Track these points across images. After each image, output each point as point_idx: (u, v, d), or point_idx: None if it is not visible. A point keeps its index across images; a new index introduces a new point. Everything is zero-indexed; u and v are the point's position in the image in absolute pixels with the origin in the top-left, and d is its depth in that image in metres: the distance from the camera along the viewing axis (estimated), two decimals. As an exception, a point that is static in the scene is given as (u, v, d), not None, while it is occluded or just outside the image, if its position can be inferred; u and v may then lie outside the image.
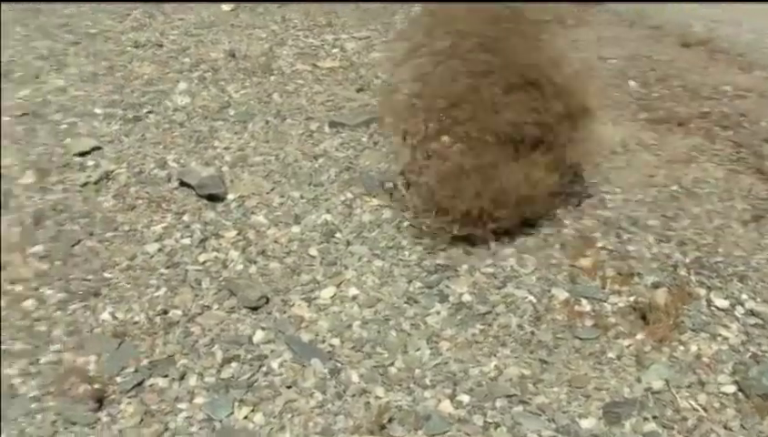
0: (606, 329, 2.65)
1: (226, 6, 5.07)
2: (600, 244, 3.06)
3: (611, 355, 2.55)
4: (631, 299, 2.78)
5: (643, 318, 2.70)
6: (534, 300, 2.77)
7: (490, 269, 2.91)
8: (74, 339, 2.53)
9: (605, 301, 2.78)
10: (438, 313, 2.69)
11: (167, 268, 2.83)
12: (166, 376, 2.40)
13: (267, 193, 3.24)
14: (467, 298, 2.76)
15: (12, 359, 2.44)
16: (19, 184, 3.27)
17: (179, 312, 2.64)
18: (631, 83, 4.33)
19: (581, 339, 2.61)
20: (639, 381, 2.45)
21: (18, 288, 2.72)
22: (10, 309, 2.62)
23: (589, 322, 2.68)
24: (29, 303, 2.65)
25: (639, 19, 5.24)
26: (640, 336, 2.62)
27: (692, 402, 2.36)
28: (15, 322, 2.58)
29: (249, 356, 2.47)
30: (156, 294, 2.71)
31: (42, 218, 3.05)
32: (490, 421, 2.29)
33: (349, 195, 3.27)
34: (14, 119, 3.77)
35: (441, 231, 2.98)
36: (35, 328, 2.56)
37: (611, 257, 2.99)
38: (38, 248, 2.90)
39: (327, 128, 3.67)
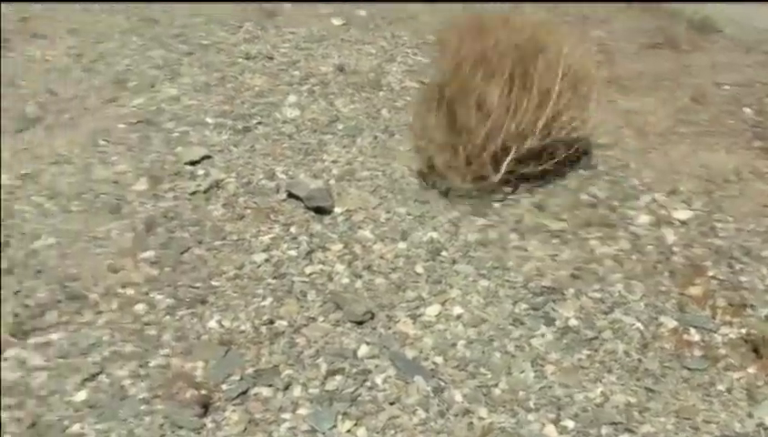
0: (716, 360, 2.60)
1: (336, 21, 5.13)
2: (710, 273, 3.00)
3: (720, 387, 2.50)
4: (743, 330, 2.72)
5: (755, 351, 2.63)
6: (642, 327, 2.73)
7: (598, 294, 2.88)
8: (182, 344, 2.59)
9: (715, 332, 2.72)
10: (543, 336, 2.67)
11: (274, 278, 2.88)
12: (270, 386, 2.44)
13: (374, 208, 3.27)
14: (573, 322, 2.74)
15: (123, 361, 2.51)
16: (132, 190, 3.37)
17: (285, 323, 2.68)
18: (746, 110, 4.24)
19: (689, 369, 2.57)
20: (750, 416, 2.40)
21: (130, 291, 2.80)
22: (122, 312, 2.70)
23: (698, 352, 2.64)
24: (140, 307, 2.73)
25: (756, 45, 5.12)
26: (751, 369, 2.56)
27: (809, 442, 2.30)
28: (126, 325, 2.65)
29: (354, 370, 2.49)
30: (263, 304, 2.76)
31: (153, 224, 3.14)
32: (597, 448, 2.26)
33: (456, 213, 3.27)
34: (129, 127, 3.89)
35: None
36: (145, 331, 2.64)
37: (723, 287, 2.94)
38: (149, 254, 2.98)
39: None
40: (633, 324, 2.74)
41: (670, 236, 3.21)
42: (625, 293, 2.89)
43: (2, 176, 3.56)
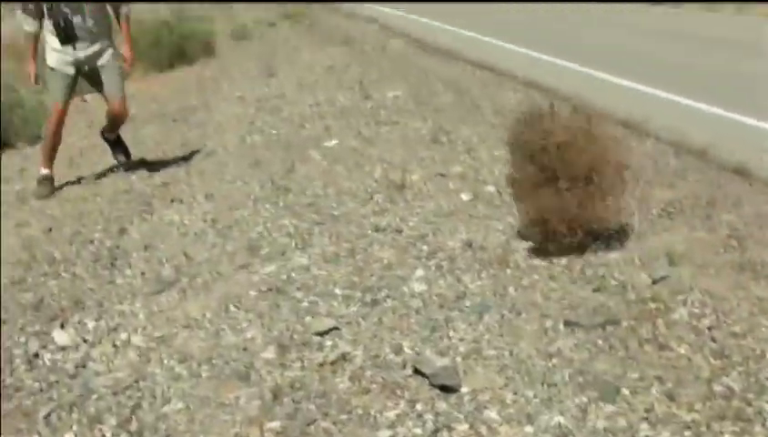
0: None
1: (465, 196, 5.28)
2: None
3: None
4: None
5: None
6: None
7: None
8: None
9: None
10: None
11: (398, 456, 2.90)
12: None
13: (500, 388, 3.28)
14: None
15: None
16: (261, 358, 3.48)
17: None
18: None
19: None
20: None
21: (256, 461, 2.86)
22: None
23: None
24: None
25: None
26: None
27: None
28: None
29: None
30: (388, 483, 2.78)
31: (280, 394, 3.22)
32: None
33: (584, 399, 3.25)
34: (259, 294, 4.05)
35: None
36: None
37: None
38: (275, 424, 3.05)
39: (561, 327, 3.69)
40: None
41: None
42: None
43: (137, 338, 3.74)
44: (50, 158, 6.59)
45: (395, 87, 9.19)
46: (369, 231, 4.78)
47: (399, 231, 4.76)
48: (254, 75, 11.46)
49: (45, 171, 6.54)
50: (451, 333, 3.64)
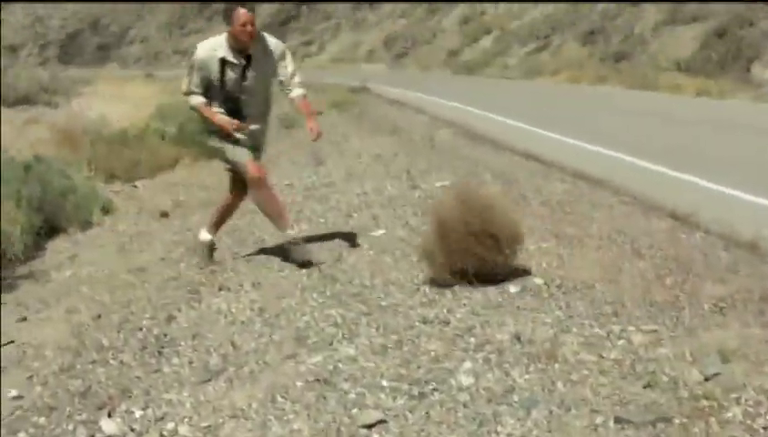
0: None
1: (512, 288, 5.29)
2: None
3: None
4: None
5: None
6: None
7: None
8: None
9: None
10: None
11: None
12: None
13: (549, 487, 3.25)
14: None
15: None
16: (307, 451, 3.49)
17: None
18: None
19: None
20: None
21: None
22: None
23: None
24: None
25: None
26: None
27: None
28: None
29: None
30: None
31: (326, 487, 3.23)
32: None
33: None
34: (306, 385, 4.08)
35: None
36: None
37: None
38: None
39: (612, 424, 3.66)
40: None
41: None
42: None
43: (183, 428, 3.78)
44: (218, 225, 6.65)
45: (443, 177, 9.29)
46: (417, 323, 4.81)
47: (447, 323, 4.77)
48: (303, 163, 11.65)
49: (207, 237, 6.61)
50: (499, 428, 3.63)
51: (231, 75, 5.99)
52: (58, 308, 5.99)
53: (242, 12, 5.85)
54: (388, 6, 59.07)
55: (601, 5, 34.51)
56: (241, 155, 6.13)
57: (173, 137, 13.65)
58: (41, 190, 8.89)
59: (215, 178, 10.85)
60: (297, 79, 6.21)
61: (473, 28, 46.06)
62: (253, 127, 6.18)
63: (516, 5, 44.22)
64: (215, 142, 6.24)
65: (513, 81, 30.03)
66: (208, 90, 6.06)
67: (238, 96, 6.06)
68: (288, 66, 6.19)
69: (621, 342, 4.45)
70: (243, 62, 5.99)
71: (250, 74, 6.03)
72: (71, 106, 27.65)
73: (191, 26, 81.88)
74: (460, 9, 49.55)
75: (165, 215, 9.00)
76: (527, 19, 41.88)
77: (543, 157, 10.78)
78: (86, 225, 9.03)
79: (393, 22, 56.04)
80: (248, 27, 5.88)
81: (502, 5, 45.74)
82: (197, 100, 6.10)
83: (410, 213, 7.61)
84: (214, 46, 6.02)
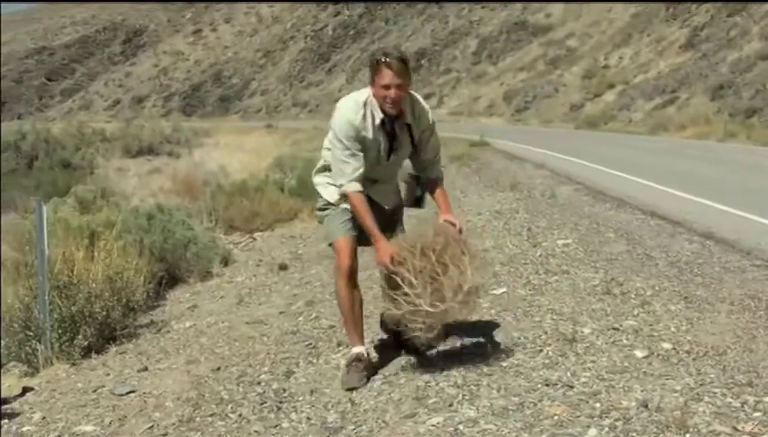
0: None
1: (639, 353, 5.19)
2: None
3: None
4: None
5: None
6: None
7: None
8: None
9: None
10: None
11: None
12: None
13: None
14: None
15: None
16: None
17: None
18: None
19: None
20: None
21: None
22: None
23: None
24: None
25: None
26: None
27: None
28: None
29: None
30: None
31: None
32: None
33: None
34: (426, 445, 4.06)
35: None
36: None
37: None
38: None
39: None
40: None
41: None
42: None
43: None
44: (355, 329, 5.23)
45: (564, 235, 9.21)
46: (539, 385, 4.75)
47: (571, 386, 4.70)
48: (421, 218, 11.68)
49: (356, 349, 5.19)
50: (626, 500, 3.55)
51: (373, 142, 4.96)
52: (178, 358, 6.13)
53: (384, 69, 4.76)
54: (509, 60, 59.36)
55: (730, 57, 33.95)
56: (338, 230, 5.07)
57: (292, 189, 13.90)
58: (163, 240, 9.17)
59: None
60: (439, 159, 5.36)
61: (596, 82, 45.84)
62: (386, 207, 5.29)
63: (641, 59, 43.87)
64: (322, 205, 5.23)
65: (637, 136, 29.66)
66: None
67: (374, 168, 5.04)
68: (435, 141, 5.25)
69: (756, 414, 4.30)
70: (389, 128, 4.98)
71: (397, 144, 5.03)
72: (192, 157, 28.57)
73: (310, 78, 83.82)
74: (583, 63, 49.41)
75: (283, 267, 9.15)
76: (652, 73, 41.46)
77: (670, 216, 10.59)
78: (206, 275, 9.26)
79: (513, 75, 56.22)
80: (392, 92, 4.79)
81: (627, 59, 45.41)
82: (354, 187, 4.94)
83: (532, 271, 7.55)
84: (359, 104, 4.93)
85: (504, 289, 6.97)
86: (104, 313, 6.75)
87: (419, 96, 5.08)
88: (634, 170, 16.31)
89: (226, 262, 9.85)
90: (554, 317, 6.01)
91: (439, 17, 79.05)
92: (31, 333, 6.45)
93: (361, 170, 4.89)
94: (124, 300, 7.11)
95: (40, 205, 6.70)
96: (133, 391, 5.53)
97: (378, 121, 4.89)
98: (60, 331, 6.46)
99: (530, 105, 49.55)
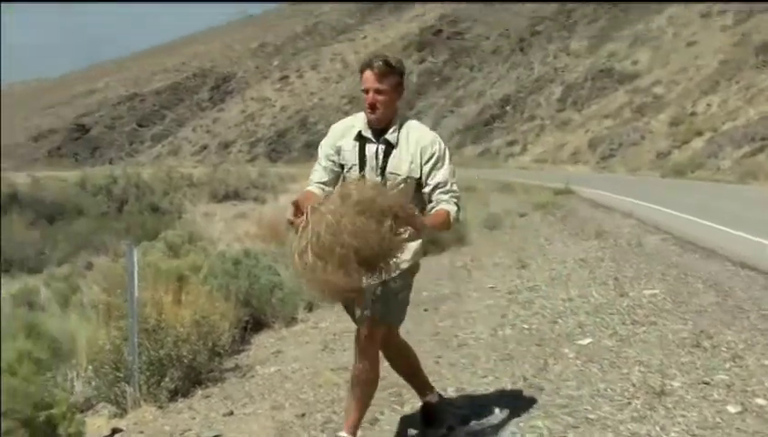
0: None
1: (732, 408, 5.07)
2: None
3: None
4: None
5: None
6: None
7: None
8: None
9: None
10: None
11: None
12: None
13: None
14: None
15: None
16: None
17: None
18: None
19: None
20: None
21: None
22: None
23: None
24: None
25: None
26: None
27: None
28: None
29: None
30: None
31: None
32: None
33: None
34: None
35: None
36: None
37: None
38: None
39: None
40: None
41: None
42: None
43: None
44: (354, 418, 4.83)
45: (652, 285, 9.07)
46: (625, 438, 4.67)
47: (660, 442, 4.62)
48: (505, 265, 11.66)
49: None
50: None
51: (350, 154, 4.63)
52: (263, 403, 6.18)
53: (366, 72, 4.51)
54: (594, 107, 59.06)
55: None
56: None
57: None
58: (249, 285, 9.27)
59: (419, 279, 11.02)
60: (449, 190, 4.53)
61: (683, 129, 45.27)
62: None
63: (730, 106, 43.24)
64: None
65: (726, 185, 29.13)
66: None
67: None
68: (445, 172, 4.55)
69: None
70: (378, 143, 4.56)
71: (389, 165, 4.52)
72: (278, 202, 28.96)
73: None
74: (670, 110, 48.90)
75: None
76: (741, 120, 40.80)
77: (762, 267, 10.35)
78: (291, 321, 9.32)
79: (599, 123, 55.85)
80: (370, 95, 4.50)
81: (715, 106, 44.80)
82: (310, 187, 4.74)
83: (618, 322, 7.44)
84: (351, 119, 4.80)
85: (590, 340, 6.89)
86: (190, 357, 6.84)
87: (420, 124, 4.65)
88: (723, 220, 16.00)
89: (311, 308, 9.91)
90: (642, 369, 5.91)
91: (524, 64, 79.12)
92: (120, 375, 6.57)
93: (324, 180, 4.65)
94: (210, 344, 7.19)
95: (131, 249, 6.86)
96: (218, 436, 5.59)
97: (356, 131, 4.60)
98: (148, 374, 6.57)
99: (615, 152, 49.08)
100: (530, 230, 16.22)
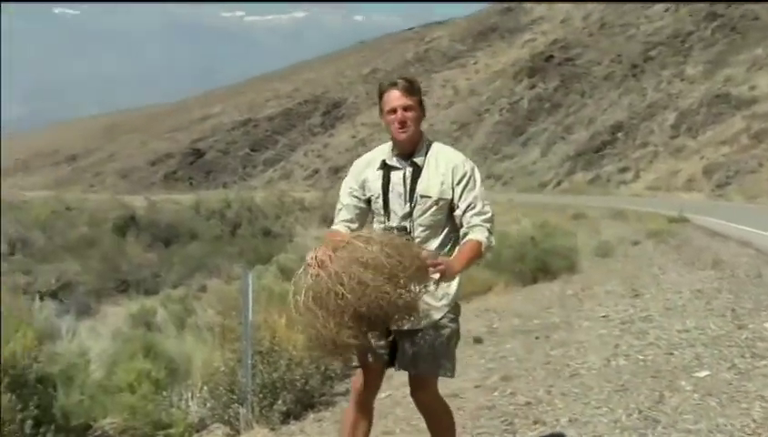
0: None
1: None
2: None
3: None
4: None
5: None
6: None
7: None
8: None
9: None
10: None
11: None
12: None
13: None
14: None
15: None
16: None
17: None
18: None
19: None
20: None
21: None
22: None
23: None
24: None
25: None
26: None
27: None
28: None
29: None
30: None
31: None
32: None
33: None
34: None
35: None
36: None
37: None
38: None
39: None
40: None
41: None
42: None
43: None
44: None
45: (773, 317, 8.79)
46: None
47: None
48: (618, 294, 11.46)
49: None
50: None
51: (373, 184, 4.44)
52: (374, 429, 6.12)
53: (389, 92, 4.40)
54: (709, 133, 57.71)
55: None
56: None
57: (487, 262, 13.92)
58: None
59: (530, 307, 10.95)
60: (481, 211, 4.33)
61: (806, 155, 43.80)
62: None
63: None
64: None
65: None
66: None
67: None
68: (476, 193, 4.36)
69: None
70: (405, 168, 4.37)
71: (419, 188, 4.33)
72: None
73: (505, 151, 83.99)
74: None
75: (478, 341, 9.13)
76: None
77: None
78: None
79: (714, 149, 54.47)
80: (399, 114, 4.33)
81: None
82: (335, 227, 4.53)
83: (737, 355, 7.23)
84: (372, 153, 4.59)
85: (707, 372, 6.71)
86: (303, 380, 6.92)
87: (447, 146, 4.49)
88: None
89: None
90: (764, 404, 5.73)
91: (636, 90, 77.81)
92: (234, 396, 6.68)
93: (348, 218, 4.43)
94: (322, 368, 7.27)
95: (246, 273, 6.99)
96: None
97: (380, 160, 4.43)
98: (261, 396, 6.66)
99: (731, 180, 47.78)
100: (643, 259, 15.92)
